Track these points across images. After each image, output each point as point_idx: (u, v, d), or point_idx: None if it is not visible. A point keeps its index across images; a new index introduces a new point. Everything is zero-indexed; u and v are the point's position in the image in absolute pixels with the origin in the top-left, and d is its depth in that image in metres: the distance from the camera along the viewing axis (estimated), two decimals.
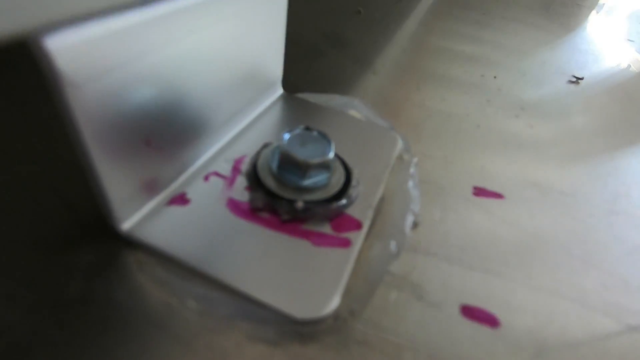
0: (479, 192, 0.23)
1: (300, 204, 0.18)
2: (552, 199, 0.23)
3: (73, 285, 0.14)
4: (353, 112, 0.26)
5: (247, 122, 0.23)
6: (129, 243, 0.16)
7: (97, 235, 0.16)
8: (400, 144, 0.24)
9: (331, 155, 0.19)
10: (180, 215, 0.17)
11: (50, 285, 0.14)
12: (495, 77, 0.37)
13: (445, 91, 0.33)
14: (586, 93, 0.38)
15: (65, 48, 0.10)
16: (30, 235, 0.16)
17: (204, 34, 0.16)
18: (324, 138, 0.19)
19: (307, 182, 0.19)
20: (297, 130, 0.19)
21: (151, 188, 0.17)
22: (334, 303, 0.15)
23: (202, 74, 0.17)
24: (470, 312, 0.16)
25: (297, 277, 0.16)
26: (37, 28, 0.09)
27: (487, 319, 0.16)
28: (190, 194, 0.18)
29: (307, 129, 0.19)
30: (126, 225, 0.16)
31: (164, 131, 0.16)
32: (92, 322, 0.13)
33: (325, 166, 0.19)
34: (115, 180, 0.14)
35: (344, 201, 0.18)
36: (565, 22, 0.59)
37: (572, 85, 0.39)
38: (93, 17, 0.11)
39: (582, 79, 0.40)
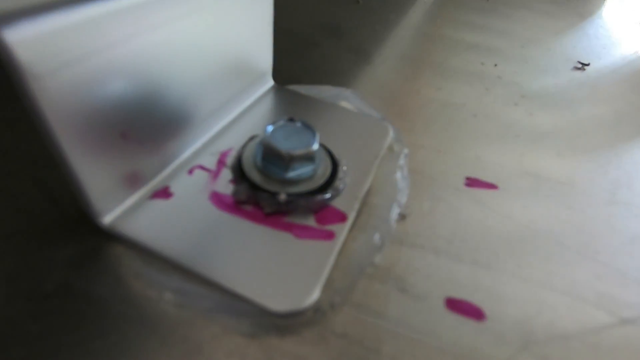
0: (472, 182, 0.22)
1: (282, 197, 0.17)
2: (548, 189, 0.23)
3: (51, 279, 0.14)
4: (344, 104, 0.26)
5: (236, 115, 0.23)
6: (111, 237, 0.16)
7: (79, 229, 0.16)
8: (391, 135, 0.24)
9: (315, 146, 0.18)
10: (163, 209, 0.17)
11: (28, 278, 0.14)
12: (495, 65, 0.36)
13: (442, 80, 0.32)
14: (592, 80, 0.37)
15: (26, 39, 0.10)
16: (11, 228, 0.16)
17: (179, 25, 0.16)
18: (308, 129, 0.19)
19: (291, 174, 0.18)
20: (281, 122, 0.19)
21: (133, 182, 0.17)
22: (313, 296, 0.15)
23: (181, 65, 0.17)
24: (455, 305, 0.16)
25: (277, 269, 0.16)
26: None
27: (472, 312, 0.16)
28: (174, 188, 0.18)
29: (291, 120, 0.19)
30: (107, 219, 0.16)
31: (141, 124, 0.16)
32: (68, 315, 0.14)
33: (309, 158, 0.18)
34: (91, 174, 0.14)
35: (328, 193, 0.18)
36: (578, 8, 0.57)
37: (578, 72, 0.38)
38: (54, 8, 0.11)
39: (588, 65, 0.39)
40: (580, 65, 0.38)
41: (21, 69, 0.10)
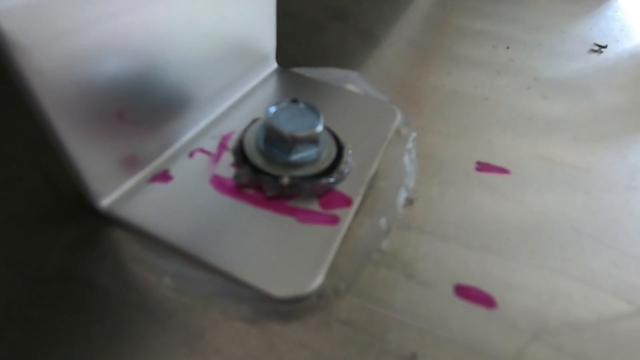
0: (483, 167, 0.21)
1: (285, 180, 0.17)
2: (563, 174, 0.22)
3: (51, 262, 0.14)
4: (350, 86, 0.25)
5: (238, 97, 0.22)
6: (110, 221, 0.16)
7: (78, 213, 0.16)
8: (399, 118, 0.23)
9: (319, 128, 0.18)
10: (162, 193, 0.17)
11: (28, 262, 0.14)
12: (508, 47, 0.35)
13: (452, 64, 0.31)
14: (609, 63, 0.35)
15: (11, 8, 0.10)
16: (11, 212, 0.15)
17: (176, 1, 0.15)
18: (312, 110, 0.18)
19: (295, 157, 0.18)
20: (284, 103, 0.18)
21: (131, 164, 0.16)
22: (316, 281, 0.14)
23: (179, 44, 0.16)
24: (465, 292, 0.15)
25: (279, 254, 0.15)
26: None
27: (482, 299, 0.15)
28: (174, 171, 0.18)
29: (294, 101, 0.18)
30: (105, 202, 0.16)
31: (138, 104, 0.15)
32: (67, 299, 0.13)
33: (313, 140, 0.18)
34: (87, 155, 0.14)
35: (332, 177, 0.18)
36: None
37: (594, 55, 0.36)
38: None
39: (605, 47, 0.37)
40: (597, 48, 0.37)
41: (6, 39, 0.10)
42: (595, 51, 0.36)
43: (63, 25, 0.11)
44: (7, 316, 0.13)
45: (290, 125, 0.18)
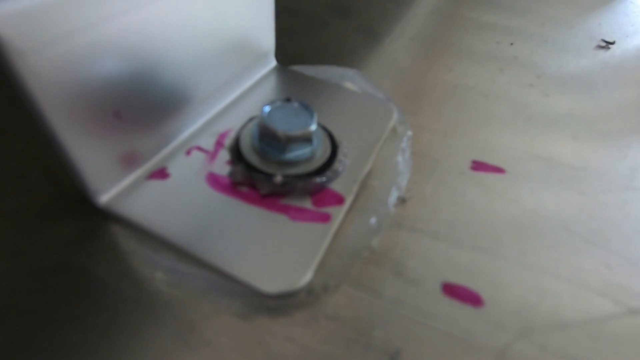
0: (478, 166, 0.21)
1: (278, 178, 0.17)
2: (559, 173, 0.22)
3: (50, 255, 0.15)
4: (348, 84, 0.25)
5: (236, 96, 0.22)
6: (108, 216, 0.16)
7: (78, 208, 0.16)
8: (395, 116, 0.23)
9: (313, 127, 0.18)
10: (159, 190, 0.17)
11: (28, 254, 0.15)
12: (511, 44, 0.34)
13: (454, 60, 0.31)
14: (615, 60, 0.34)
15: (8, 14, 0.10)
16: (12, 206, 0.16)
17: (173, 1, 0.16)
18: (306, 109, 0.19)
19: (289, 155, 0.18)
20: (278, 102, 0.19)
21: (129, 162, 0.17)
22: (305, 278, 0.15)
23: (176, 43, 0.17)
24: (452, 290, 0.15)
25: (270, 251, 0.15)
26: None
27: (469, 297, 0.15)
28: (171, 168, 0.18)
29: (288, 100, 0.19)
30: (104, 198, 0.16)
31: (135, 103, 0.16)
32: (65, 291, 0.14)
33: (306, 139, 0.18)
34: (85, 153, 0.14)
35: (325, 176, 0.18)
36: None
37: (601, 51, 0.36)
38: None
39: (613, 43, 0.36)
40: (604, 44, 0.36)
41: (4, 44, 0.10)
42: (602, 47, 0.36)
43: (59, 29, 0.11)
44: (8, 306, 0.13)
45: (284, 124, 0.18)
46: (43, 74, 0.12)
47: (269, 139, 0.18)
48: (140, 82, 0.16)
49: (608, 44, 0.36)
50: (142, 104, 0.16)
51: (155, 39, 0.16)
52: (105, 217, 0.16)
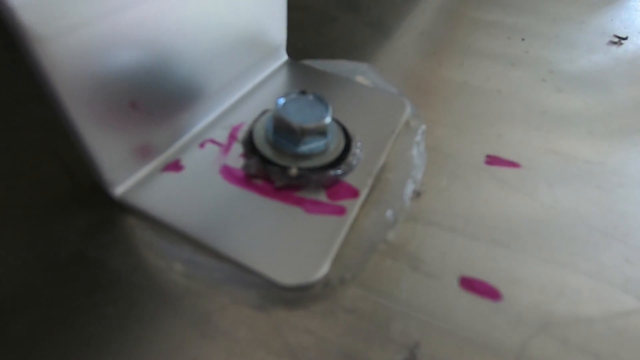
0: (493, 160, 0.21)
1: (293, 171, 0.17)
2: (575, 168, 0.21)
3: (66, 247, 0.15)
4: (360, 79, 0.25)
5: (248, 89, 0.22)
6: (124, 208, 0.16)
7: (93, 200, 0.16)
8: (408, 111, 0.23)
9: (328, 119, 0.18)
10: (174, 182, 0.17)
11: (44, 246, 0.15)
12: (523, 39, 0.34)
13: (465, 56, 0.31)
14: (628, 55, 0.34)
15: (28, 1, 0.10)
16: (29, 198, 0.16)
17: None
18: (321, 102, 0.18)
19: (303, 148, 0.18)
20: (293, 95, 0.19)
21: (144, 154, 0.17)
22: (322, 270, 0.15)
23: (191, 35, 0.17)
24: (470, 284, 0.15)
25: (286, 243, 0.15)
26: None
27: (487, 292, 0.15)
28: (185, 161, 0.18)
29: (303, 92, 0.19)
30: (119, 190, 0.16)
31: (151, 94, 0.16)
32: (82, 282, 0.14)
33: (321, 131, 0.18)
34: (102, 144, 0.14)
35: (340, 169, 0.18)
36: None
37: (614, 47, 0.35)
38: None
39: (625, 39, 0.36)
40: (616, 39, 0.36)
41: (24, 31, 0.10)
42: (615, 43, 0.35)
43: (78, 17, 0.11)
44: (25, 298, 0.13)
45: (299, 116, 0.18)
46: (62, 61, 0.11)
47: (284, 132, 0.18)
48: (155, 73, 0.16)
49: (621, 39, 0.36)
50: (157, 95, 0.16)
51: (169, 31, 0.15)
52: (121, 208, 0.16)
